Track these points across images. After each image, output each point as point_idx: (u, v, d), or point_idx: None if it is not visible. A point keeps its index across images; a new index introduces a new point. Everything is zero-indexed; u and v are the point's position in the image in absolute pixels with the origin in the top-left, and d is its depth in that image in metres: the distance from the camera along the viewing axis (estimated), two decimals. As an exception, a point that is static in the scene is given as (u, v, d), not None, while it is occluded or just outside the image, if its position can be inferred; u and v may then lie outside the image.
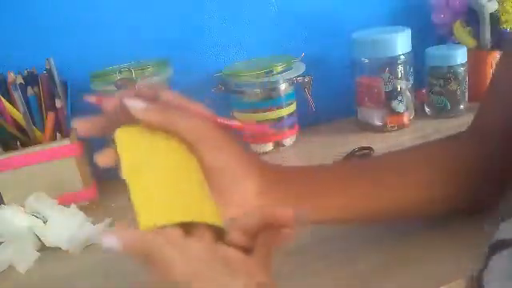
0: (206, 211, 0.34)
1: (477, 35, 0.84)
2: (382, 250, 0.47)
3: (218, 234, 0.34)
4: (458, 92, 0.80)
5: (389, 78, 0.78)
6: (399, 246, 0.47)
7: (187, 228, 0.32)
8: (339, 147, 0.72)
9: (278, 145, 0.78)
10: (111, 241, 0.30)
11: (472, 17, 0.84)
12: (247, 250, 0.33)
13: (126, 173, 0.36)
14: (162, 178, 0.34)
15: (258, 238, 0.34)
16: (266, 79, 0.73)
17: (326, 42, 0.86)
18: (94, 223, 0.58)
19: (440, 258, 0.44)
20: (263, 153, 0.77)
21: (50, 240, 0.56)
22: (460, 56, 0.78)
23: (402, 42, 0.76)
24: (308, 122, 0.82)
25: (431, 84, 0.81)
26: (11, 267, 0.54)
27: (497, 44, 0.83)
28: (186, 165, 0.36)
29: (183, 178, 0.35)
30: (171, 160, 0.35)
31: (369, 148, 0.68)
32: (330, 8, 0.85)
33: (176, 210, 0.32)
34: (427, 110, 0.84)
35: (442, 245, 0.46)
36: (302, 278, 0.45)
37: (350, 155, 0.68)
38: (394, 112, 0.79)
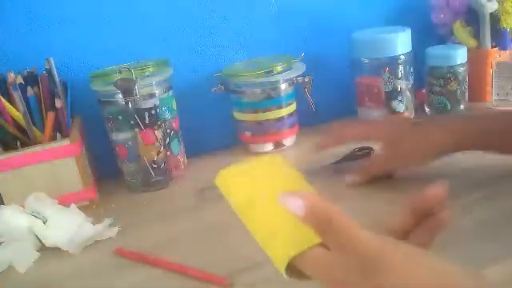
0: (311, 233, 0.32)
1: (477, 35, 0.84)
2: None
3: None
4: (458, 92, 0.80)
5: (389, 77, 0.78)
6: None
7: None
8: (339, 147, 0.72)
9: (278, 145, 0.78)
10: (297, 204, 0.30)
11: (472, 17, 0.84)
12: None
13: (240, 213, 0.35)
14: (274, 209, 0.33)
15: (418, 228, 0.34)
16: (265, 79, 0.73)
17: (326, 42, 0.86)
18: (93, 223, 0.58)
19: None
20: (263, 153, 0.78)
21: (50, 240, 0.55)
22: (460, 56, 0.78)
23: (402, 42, 0.76)
24: (308, 121, 0.82)
25: (431, 84, 0.81)
26: (11, 267, 0.54)
27: (497, 44, 0.84)
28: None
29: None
30: (275, 189, 0.34)
31: (369, 148, 0.68)
32: (330, 8, 0.85)
33: (302, 236, 0.31)
34: (427, 109, 0.84)
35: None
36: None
37: (350, 155, 0.68)
38: (394, 112, 0.79)
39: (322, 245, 0.31)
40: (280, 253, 0.31)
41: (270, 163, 0.37)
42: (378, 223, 0.34)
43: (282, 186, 0.35)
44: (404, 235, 0.34)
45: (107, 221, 0.59)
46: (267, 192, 0.35)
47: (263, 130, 0.76)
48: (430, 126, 0.59)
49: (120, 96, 0.64)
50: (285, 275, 0.31)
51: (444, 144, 0.56)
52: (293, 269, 0.31)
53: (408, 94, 0.80)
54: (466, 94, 0.82)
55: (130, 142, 0.68)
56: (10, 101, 0.63)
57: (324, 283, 0.30)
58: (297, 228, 0.31)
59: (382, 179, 0.61)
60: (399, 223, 0.35)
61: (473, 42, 0.84)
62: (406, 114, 0.81)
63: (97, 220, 0.59)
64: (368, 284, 0.28)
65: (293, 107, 0.78)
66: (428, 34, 0.88)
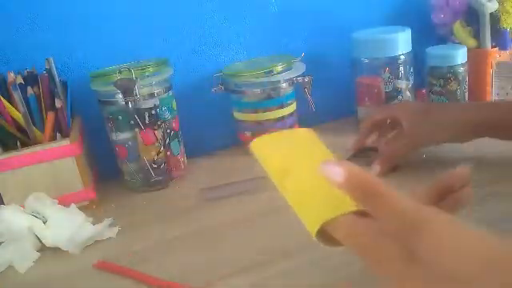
0: (346, 200, 0.33)
1: (477, 35, 0.84)
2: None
3: None
4: (458, 92, 0.80)
5: (389, 77, 0.78)
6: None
7: None
8: (339, 147, 0.71)
9: (278, 145, 0.78)
10: (336, 171, 0.30)
11: (472, 17, 0.84)
12: None
13: (276, 180, 0.35)
14: (310, 176, 0.34)
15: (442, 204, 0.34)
16: (265, 79, 0.73)
17: (326, 42, 0.86)
18: (93, 223, 0.58)
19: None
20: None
21: (50, 240, 0.55)
22: (460, 56, 0.78)
23: (402, 42, 0.76)
24: (308, 121, 0.82)
25: (431, 84, 0.81)
26: (11, 267, 0.54)
27: (497, 44, 0.84)
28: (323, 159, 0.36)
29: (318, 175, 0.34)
30: (310, 159, 0.36)
31: (369, 148, 0.68)
32: (330, 8, 0.86)
33: (337, 202, 0.32)
34: (427, 109, 0.84)
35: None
36: (306, 277, 0.45)
37: (360, 150, 0.68)
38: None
39: (356, 213, 0.31)
40: (313, 216, 0.32)
41: (304, 136, 0.38)
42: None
43: (316, 156, 0.36)
44: None
45: (107, 221, 0.59)
46: (302, 160, 0.36)
47: (263, 130, 0.76)
48: (449, 105, 0.65)
49: (120, 96, 0.64)
50: (315, 238, 0.31)
51: (466, 121, 0.60)
52: (324, 234, 0.31)
53: (408, 93, 0.80)
54: (466, 94, 0.81)
55: (130, 142, 0.68)
56: (10, 101, 0.63)
57: (354, 249, 0.30)
58: (332, 195, 0.32)
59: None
60: (424, 197, 0.35)
61: (473, 42, 0.84)
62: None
63: (97, 220, 0.59)
64: (401, 248, 0.27)
65: (293, 107, 0.78)
66: (428, 34, 0.88)
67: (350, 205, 0.31)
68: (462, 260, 0.25)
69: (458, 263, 0.25)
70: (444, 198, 0.35)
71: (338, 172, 0.30)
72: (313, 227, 0.31)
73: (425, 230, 0.27)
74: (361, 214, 0.31)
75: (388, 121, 0.67)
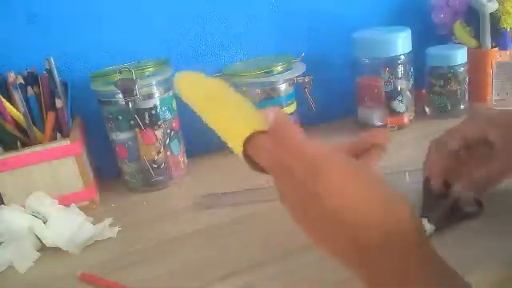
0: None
1: (477, 35, 0.84)
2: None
3: None
4: (458, 92, 0.80)
5: (389, 78, 0.78)
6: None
7: None
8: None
9: (278, 145, 0.78)
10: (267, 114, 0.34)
11: (472, 17, 0.84)
12: None
13: (199, 109, 0.39)
14: (228, 105, 0.38)
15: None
16: (265, 79, 0.73)
17: (326, 42, 0.86)
18: (93, 223, 0.58)
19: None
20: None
21: (50, 240, 0.55)
22: (460, 56, 0.78)
23: (402, 42, 0.76)
24: (308, 121, 0.82)
25: (431, 84, 0.81)
26: (11, 267, 0.54)
27: (497, 44, 0.84)
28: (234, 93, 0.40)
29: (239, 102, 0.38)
30: (225, 91, 0.39)
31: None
32: (330, 8, 0.86)
33: (256, 124, 0.35)
34: (427, 109, 0.84)
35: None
36: (307, 277, 0.45)
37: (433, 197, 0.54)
38: (394, 112, 0.79)
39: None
40: (237, 137, 0.34)
41: (219, 81, 0.41)
42: None
43: (231, 92, 0.39)
44: None
45: (107, 221, 0.59)
46: (222, 93, 0.39)
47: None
48: None
49: (120, 96, 0.64)
50: (241, 157, 0.35)
51: None
52: (247, 157, 0.35)
53: (408, 94, 0.80)
54: (466, 94, 0.81)
55: (130, 142, 0.68)
56: (10, 101, 0.63)
57: (268, 168, 0.33)
58: (252, 118, 0.35)
59: None
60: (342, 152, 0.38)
61: (473, 42, 0.84)
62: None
63: (97, 220, 0.59)
64: (306, 187, 0.31)
65: (293, 107, 0.78)
66: (428, 34, 0.88)
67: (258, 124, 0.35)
68: (347, 201, 0.30)
69: (344, 203, 0.30)
70: (359, 156, 0.37)
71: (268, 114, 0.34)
72: (237, 148, 0.34)
73: (323, 170, 0.31)
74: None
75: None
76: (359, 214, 0.29)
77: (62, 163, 0.62)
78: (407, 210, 0.30)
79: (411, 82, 0.80)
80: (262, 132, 0.34)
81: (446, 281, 0.30)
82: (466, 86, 0.81)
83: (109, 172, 0.73)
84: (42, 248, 0.56)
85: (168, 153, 0.70)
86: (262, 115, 0.34)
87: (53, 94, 0.64)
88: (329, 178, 0.30)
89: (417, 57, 0.80)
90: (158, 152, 0.68)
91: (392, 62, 0.77)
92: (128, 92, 0.64)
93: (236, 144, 0.34)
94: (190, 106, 0.40)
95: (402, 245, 0.29)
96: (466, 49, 0.79)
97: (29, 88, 0.63)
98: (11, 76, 0.63)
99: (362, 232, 0.29)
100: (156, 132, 0.67)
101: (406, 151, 0.70)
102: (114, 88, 0.64)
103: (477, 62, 0.83)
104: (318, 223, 0.31)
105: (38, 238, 0.56)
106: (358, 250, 0.30)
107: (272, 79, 0.73)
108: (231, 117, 0.37)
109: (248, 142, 0.33)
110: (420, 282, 0.29)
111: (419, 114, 0.83)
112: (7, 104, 0.62)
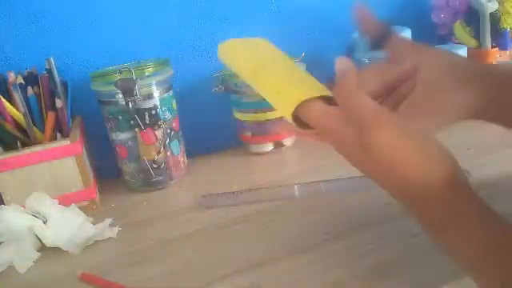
0: (319, 87, 0.38)
1: (477, 35, 0.84)
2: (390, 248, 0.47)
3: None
4: (458, 92, 0.80)
5: (389, 77, 0.77)
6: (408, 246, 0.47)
7: None
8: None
9: (278, 145, 0.78)
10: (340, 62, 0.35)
11: (472, 17, 0.84)
12: None
13: (248, 76, 0.40)
14: (282, 68, 0.39)
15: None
16: (266, 79, 0.73)
17: (326, 42, 0.86)
18: (93, 223, 0.58)
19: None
20: (263, 153, 0.78)
21: (50, 240, 0.56)
22: (460, 56, 0.78)
23: (402, 42, 0.76)
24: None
25: (431, 84, 0.81)
26: (11, 267, 0.54)
27: (497, 44, 0.84)
28: (286, 58, 0.41)
29: (291, 68, 0.40)
30: (276, 57, 0.41)
31: None
32: (330, 8, 0.85)
33: (310, 88, 0.36)
34: (427, 109, 0.84)
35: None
36: (307, 277, 0.45)
37: None
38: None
39: (324, 99, 0.36)
40: (289, 100, 0.35)
41: (264, 41, 0.43)
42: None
43: (280, 54, 0.40)
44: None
45: (107, 221, 0.59)
46: (271, 57, 0.40)
47: (263, 130, 0.76)
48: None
49: (120, 96, 0.64)
50: (291, 121, 0.36)
51: None
52: (297, 119, 0.36)
53: (408, 94, 0.80)
54: (466, 94, 0.81)
55: (130, 142, 0.68)
56: (10, 101, 0.63)
57: (320, 131, 0.36)
58: (304, 83, 0.36)
59: None
60: (373, 93, 0.41)
61: (473, 42, 0.84)
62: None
63: (97, 220, 0.59)
64: (359, 139, 0.33)
65: (293, 107, 0.78)
66: (428, 34, 0.88)
67: (320, 91, 0.36)
68: (398, 158, 0.33)
69: (396, 159, 0.33)
70: (391, 92, 0.41)
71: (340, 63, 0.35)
72: (289, 108, 0.35)
73: (380, 128, 0.33)
74: (328, 100, 0.36)
75: None
76: (408, 167, 0.33)
77: (62, 163, 0.62)
78: (452, 166, 0.33)
79: (411, 81, 0.80)
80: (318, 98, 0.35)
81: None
82: (465, 86, 0.81)
83: (109, 172, 0.73)
84: (42, 248, 0.56)
85: (168, 153, 0.70)
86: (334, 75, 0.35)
87: (53, 94, 0.64)
88: (380, 135, 0.33)
89: (417, 57, 0.80)
90: (158, 152, 0.68)
91: (392, 62, 0.77)
92: (128, 92, 0.64)
93: (287, 105, 0.35)
94: (237, 74, 0.41)
95: (447, 197, 0.32)
96: (466, 49, 0.79)
97: (29, 88, 0.63)
98: (11, 76, 0.63)
99: (409, 184, 0.33)
100: (156, 132, 0.67)
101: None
102: (114, 88, 0.64)
103: (477, 61, 0.83)
104: (370, 171, 0.35)
105: (38, 238, 0.56)
106: (405, 195, 0.34)
107: (272, 79, 0.73)
108: (284, 80, 0.37)
109: (303, 105, 0.35)
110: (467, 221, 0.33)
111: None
112: (7, 104, 0.62)
